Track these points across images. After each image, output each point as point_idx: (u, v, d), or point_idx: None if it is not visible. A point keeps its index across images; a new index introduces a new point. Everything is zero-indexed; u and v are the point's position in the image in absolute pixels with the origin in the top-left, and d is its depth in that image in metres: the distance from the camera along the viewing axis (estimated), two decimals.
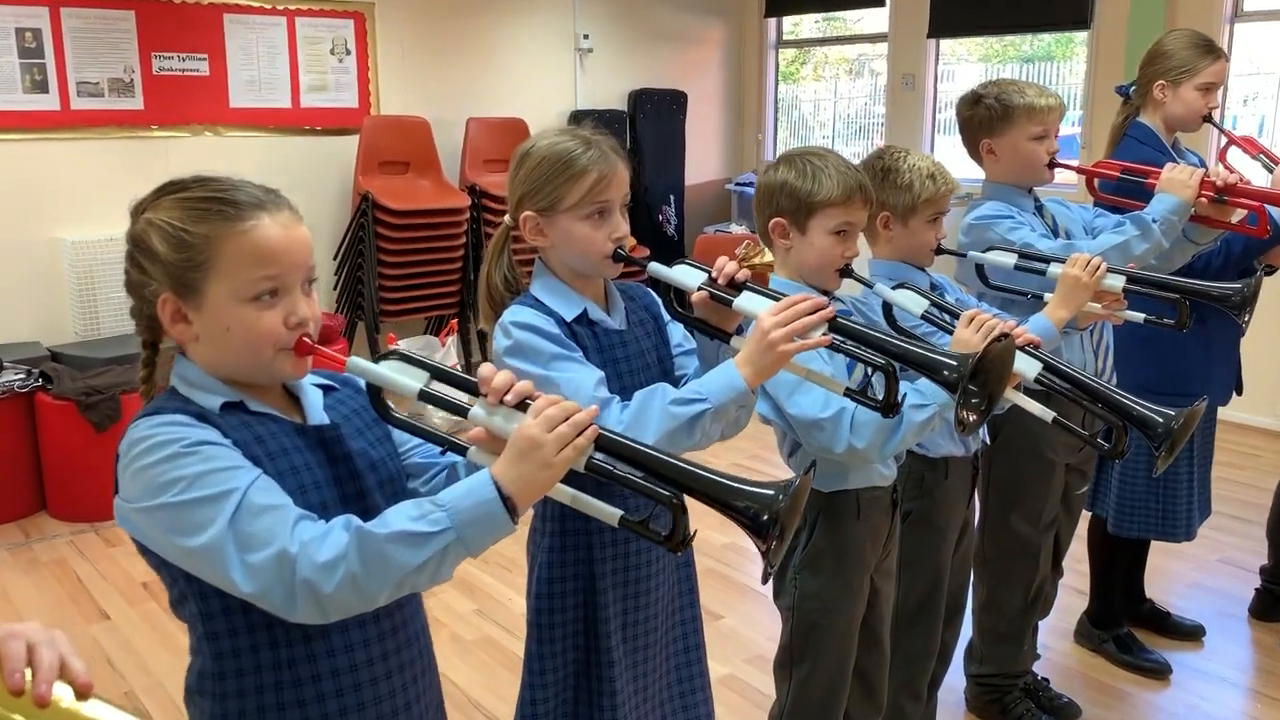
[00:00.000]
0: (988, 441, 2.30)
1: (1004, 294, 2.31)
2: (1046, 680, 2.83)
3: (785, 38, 7.38)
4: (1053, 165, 2.44)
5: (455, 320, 5.31)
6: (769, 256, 6.23)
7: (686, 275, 1.60)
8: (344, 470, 1.24)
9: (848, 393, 1.46)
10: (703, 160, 7.29)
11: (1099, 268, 2.05)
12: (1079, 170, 2.52)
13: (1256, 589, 3.32)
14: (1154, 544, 3.13)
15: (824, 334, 1.47)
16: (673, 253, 7.00)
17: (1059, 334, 2.06)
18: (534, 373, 1.54)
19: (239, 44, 5.35)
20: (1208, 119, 2.74)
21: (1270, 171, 2.64)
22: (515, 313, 1.61)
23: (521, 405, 1.16)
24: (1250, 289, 2.01)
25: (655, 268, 1.64)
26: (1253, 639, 3.22)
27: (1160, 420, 1.68)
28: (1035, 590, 2.61)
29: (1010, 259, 2.18)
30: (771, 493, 1.10)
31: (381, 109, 5.84)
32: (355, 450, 1.26)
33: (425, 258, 5.47)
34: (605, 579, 1.64)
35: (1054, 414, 1.77)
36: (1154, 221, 2.25)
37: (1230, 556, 3.73)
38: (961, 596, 2.41)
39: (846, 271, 1.91)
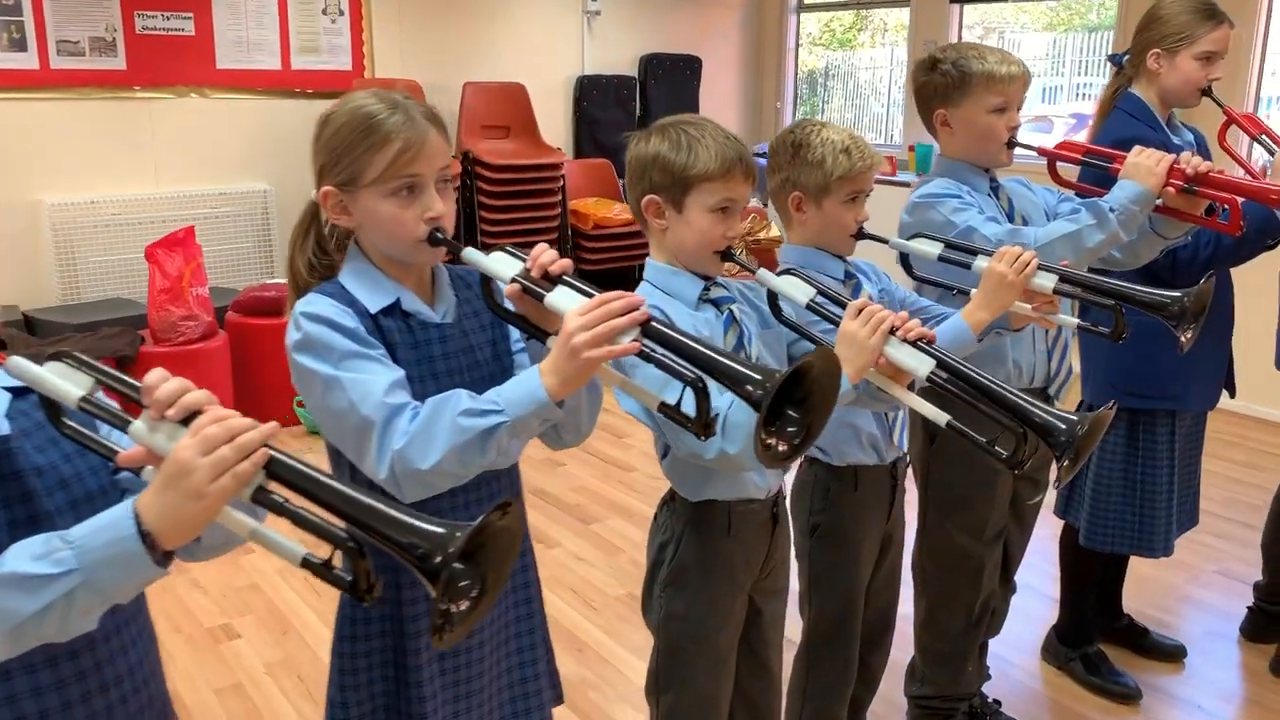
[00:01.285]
0: (904, 448, 2.08)
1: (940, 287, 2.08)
2: (997, 703, 2.61)
3: (807, 2, 7.06)
4: (1013, 144, 2.19)
5: None
6: (775, 230, 6.00)
7: (501, 264, 1.41)
8: (13, 490, 1.07)
9: (662, 407, 1.25)
10: None
11: (1028, 264, 1.80)
12: (1041, 151, 2.26)
13: (1249, 607, 3.05)
14: None
15: (634, 339, 1.27)
16: None
17: (975, 338, 1.83)
18: (323, 372, 1.36)
19: (226, 3, 5.21)
20: (1206, 93, 2.45)
21: (1271, 154, 2.36)
22: (309, 302, 1.42)
23: (188, 420, 0.98)
24: (1192, 299, 1.75)
25: (470, 254, 1.44)
26: (1241, 663, 2.96)
27: (1063, 427, 1.45)
28: (980, 607, 2.39)
29: (935, 248, 1.94)
30: (443, 531, 0.92)
31: (376, 72, 5.67)
32: (32, 466, 1.09)
33: None
34: (415, 605, 1.46)
35: (949, 418, 1.55)
36: (1112, 210, 1.99)
37: (1228, 568, 3.45)
38: (889, 615, 2.19)
39: (727, 255, 1.70)
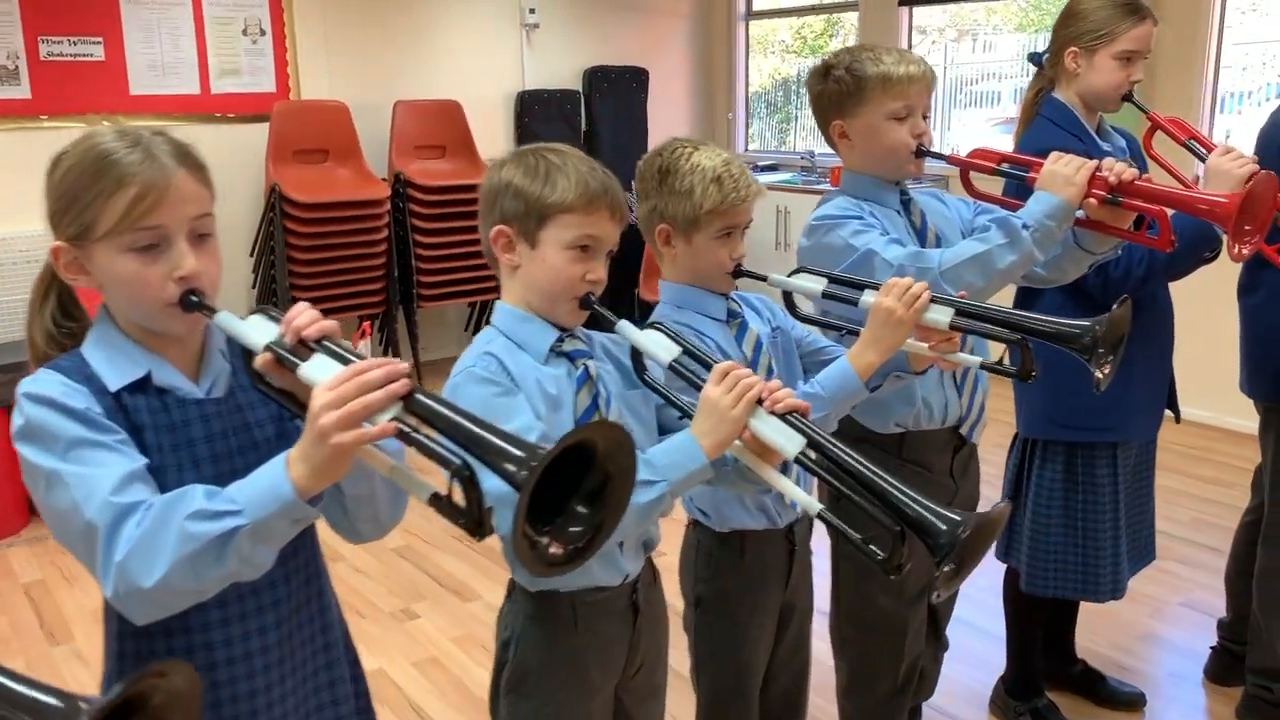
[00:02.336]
0: (807, 513, 1.84)
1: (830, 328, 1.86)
2: None
3: (755, 9, 6.85)
4: (921, 154, 1.96)
5: (369, 323, 4.90)
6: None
7: (256, 330, 1.17)
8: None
9: (432, 500, 1.01)
10: None
11: (919, 296, 1.57)
12: (952, 160, 2.03)
13: (1213, 647, 2.82)
14: None
15: (393, 417, 1.03)
16: (633, 246, 6.52)
17: (862, 385, 1.60)
18: (45, 465, 1.12)
19: (138, 25, 4.96)
20: (1128, 97, 2.23)
21: (1202, 160, 2.14)
22: (35, 380, 1.17)
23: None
24: (1104, 327, 1.52)
25: (223, 319, 1.20)
26: (1206, 708, 2.73)
27: (943, 528, 1.21)
28: (906, 671, 2.15)
29: (819, 284, 1.70)
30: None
31: (303, 93, 5.43)
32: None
33: (341, 253, 5.06)
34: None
35: (821, 506, 1.31)
36: (1025, 227, 1.76)
37: (1196, 599, 3.22)
38: (796, 694, 1.95)
39: (586, 302, 1.46)
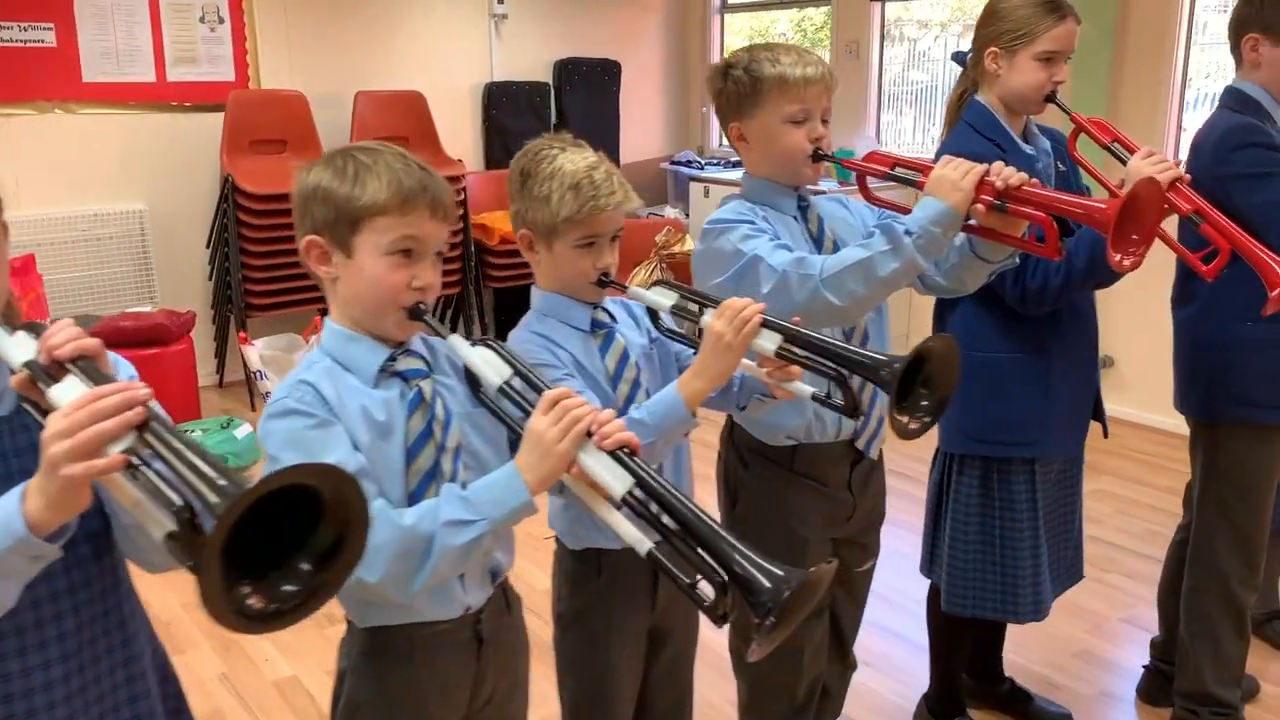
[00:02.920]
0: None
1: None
2: None
3: (731, 2, 6.75)
4: (819, 158, 1.88)
5: (319, 318, 4.82)
6: (690, 244, 5.68)
7: (16, 347, 1.09)
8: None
9: (168, 538, 0.93)
10: (641, 137, 6.71)
11: (748, 321, 1.49)
12: (846, 165, 1.95)
13: (1145, 666, 2.74)
14: None
15: (127, 448, 0.95)
16: None
17: (688, 414, 1.52)
18: None
19: (91, 11, 4.88)
20: (1051, 98, 2.15)
21: (1124, 163, 2.06)
22: None
23: None
24: (903, 365, 1.41)
25: None
26: None
27: (767, 586, 1.12)
28: (806, 691, 2.08)
29: (670, 298, 1.62)
30: None
31: (263, 83, 5.35)
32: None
33: (295, 246, 4.97)
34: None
35: (650, 545, 1.22)
36: (908, 233, 1.68)
37: (1137, 615, 3.14)
38: (680, 713, 1.88)
39: (416, 312, 1.38)
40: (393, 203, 1.33)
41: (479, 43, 6.01)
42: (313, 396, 1.30)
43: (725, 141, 6.93)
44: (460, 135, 5.95)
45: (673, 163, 6.61)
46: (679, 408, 1.53)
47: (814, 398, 1.55)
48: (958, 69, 2.32)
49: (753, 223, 1.85)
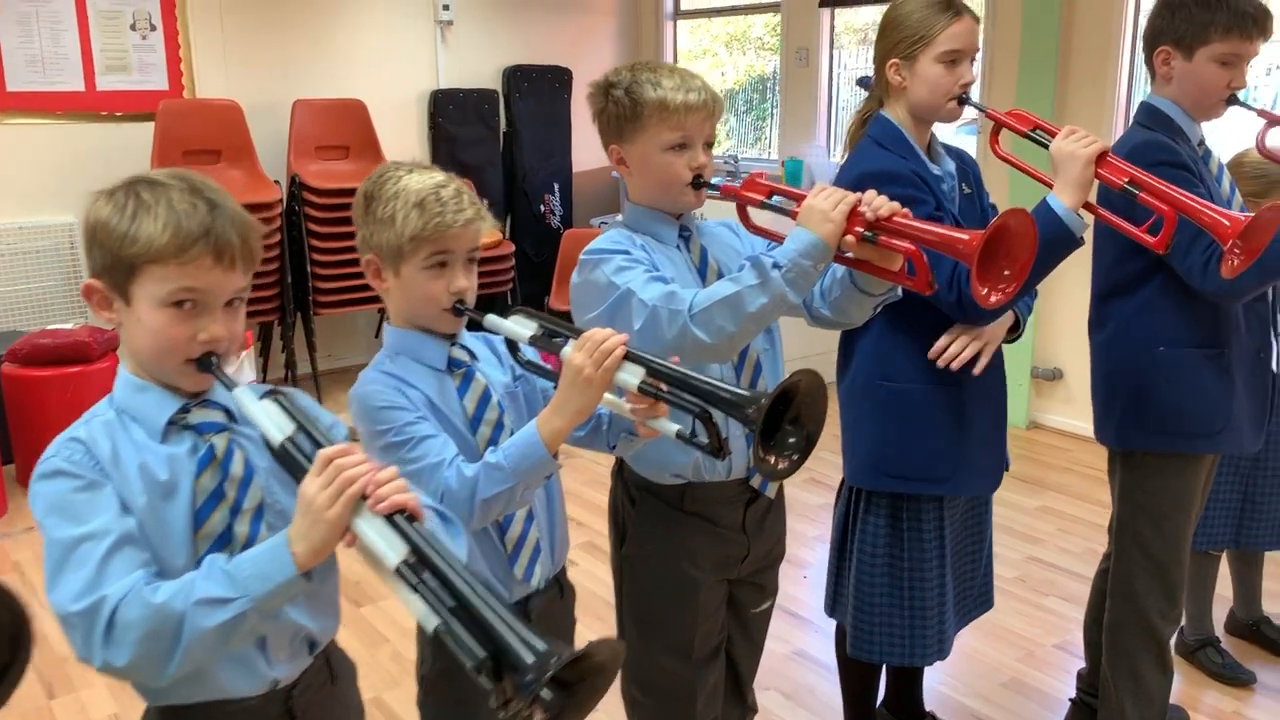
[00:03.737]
0: (559, 565, 1.67)
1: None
2: None
3: (684, 9, 6.66)
4: (699, 185, 1.79)
5: (251, 332, 4.70)
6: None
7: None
8: None
9: None
10: (594, 145, 6.50)
11: (609, 354, 1.39)
12: (725, 191, 1.84)
13: (1071, 699, 2.65)
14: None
15: None
16: (547, 248, 6.35)
17: (548, 455, 1.42)
18: None
19: (14, 17, 4.74)
20: (965, 100, 2.05)
21: (1046, 148, 1.96)
22: None
23: None
24: (769, 402, 1.31)
25: None
26: None
27: (529, 661, 0.99)
28: None
29: (529, 329, 1.52)
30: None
31: (198, 92, 5.22)
32: None
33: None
34: None
35: (439, 621, 1.10)
36: (776, 267, 1.58)
37: (1072, 641, 3.04)
38: None
39: (206, 364, 1.25)
40: (169, 249, 1.19)
41: (425, 49, 5.90)
42: (82, 455, 1.19)
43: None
44: (405, 143, 5.83)
45: None
46: (537, 449, 1.43)
47: (679, 436, 1.45)
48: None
49: (628, 253, 1.75)
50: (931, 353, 2.02)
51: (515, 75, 6.17)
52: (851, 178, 2.06)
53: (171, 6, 5.10)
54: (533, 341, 1.52)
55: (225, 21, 5.26)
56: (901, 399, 2.11)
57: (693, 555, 1.87)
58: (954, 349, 2.01)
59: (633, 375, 1.41)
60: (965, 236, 1.49)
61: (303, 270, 5.15)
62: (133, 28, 5.03)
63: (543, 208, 6.38)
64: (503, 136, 6.21)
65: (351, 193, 5.06)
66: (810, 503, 4.00)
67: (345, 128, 5.38)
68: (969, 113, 2.09)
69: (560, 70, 6.33)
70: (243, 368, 4.55)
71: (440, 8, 5.85)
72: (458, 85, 5.99)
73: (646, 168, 1.79)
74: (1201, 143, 2.22)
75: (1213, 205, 1.79)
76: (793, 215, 1.66)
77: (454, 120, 5.97)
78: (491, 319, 1.55)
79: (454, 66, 6.00)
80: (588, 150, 6.55)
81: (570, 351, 1.43)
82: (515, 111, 6.20)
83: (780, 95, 5.88)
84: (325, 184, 5.11)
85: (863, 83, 2.22)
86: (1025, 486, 4.19)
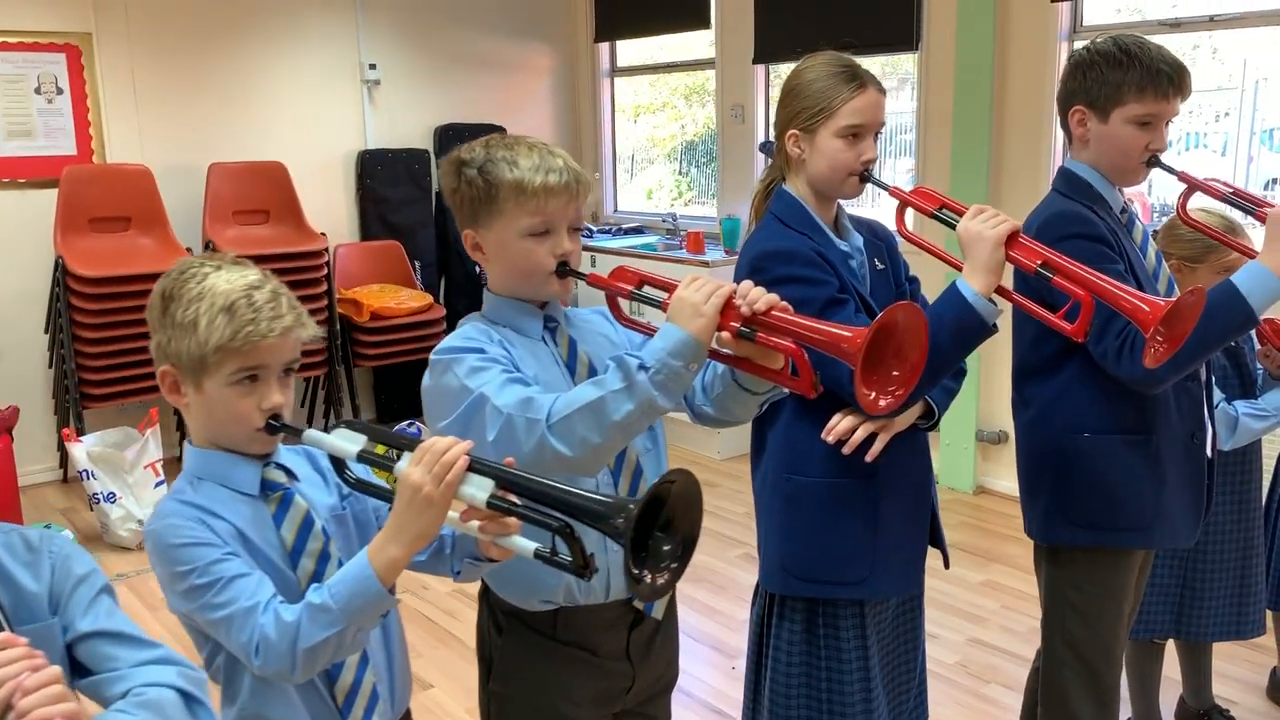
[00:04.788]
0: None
1: None
2: None
3: (620, 67, 6.55)
4: (564, 273, 1.61)
5: (157, 409, 4.45)
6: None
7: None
8: None
9: None
10: None
11: (450, 467, 1.21)
12: (592, 281, 1.65)
13: None
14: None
15: None
16: None
17: (382, 590, 1.23)
18: None
19: None
20: (866, 177, 1.89)
21: (952, 227, 1.80)
22: None
23: None
24: (638, 511, 1.13)
25: None
26: None
27: None
28: None
29: (356, 444, 1.32)
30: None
31: (110, 156, 5.01)
32: None
33: (136, 330, 4.60)
34: None
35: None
36: (643, 368, 1.40)
37: None
38: None
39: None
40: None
41: (351, 110, 5.73)
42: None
43: (619, 208, 6.72)
44: (331, 205, 5.64)
45: None
46: (370, 583, 1.24)
47: (537, 555, 1.25)
48: None
49: (482, 350, 1.55)
50: (824, 431, 1.83)
51: (448, 134, 6.01)
52: (749, 257, 1.90)
53: (80, 70, 4.91)
54: (361, 457, 1.32)
55: (138, 83, 5.07)
56: (810, 494, 1.92)
57: (568, 691, 1.65)
58: (845, 425, 1.82)
59: (480, 489, 1.23)
60: (848, 334, 1.32)
61: None
62: (37, 91, 4.82)
63: (478, 268, 6.18)
64: (435, 197, 6.04)
65: (272, 258, 4.92)
66: (745, 582, 3.79)
67: (264, 191, 5.19)
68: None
69: (495, 129, 6.17)
70: (148, 445, 4.30)
71: (366, 68, 5.70)
72: (386, 145, 5.82)
73: (505, 255, 1.61)
74: (1124, 209, 2.08)
75: (1132, 290, 1.63)
76: (664, 307, 1.48)
77: (383, 181, 5.80)
78: (311, 434, 1.35)
79: (382, 127, 5.83)
80: None
81: (406, 466, 1.23)
82: None
83: (719, 153, 5.75)
84: (239, 250, 4.89)
85: (765, 149, 2.08)
86: (970, 559, 4.00)
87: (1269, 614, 2.74)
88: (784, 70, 5.56)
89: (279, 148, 5.38)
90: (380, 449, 1.30)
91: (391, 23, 5.79)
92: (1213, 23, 3.79)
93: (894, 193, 1.91)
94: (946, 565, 2.12)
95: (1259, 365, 2.59)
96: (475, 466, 1.22)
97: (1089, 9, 4.21)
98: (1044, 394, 2.07)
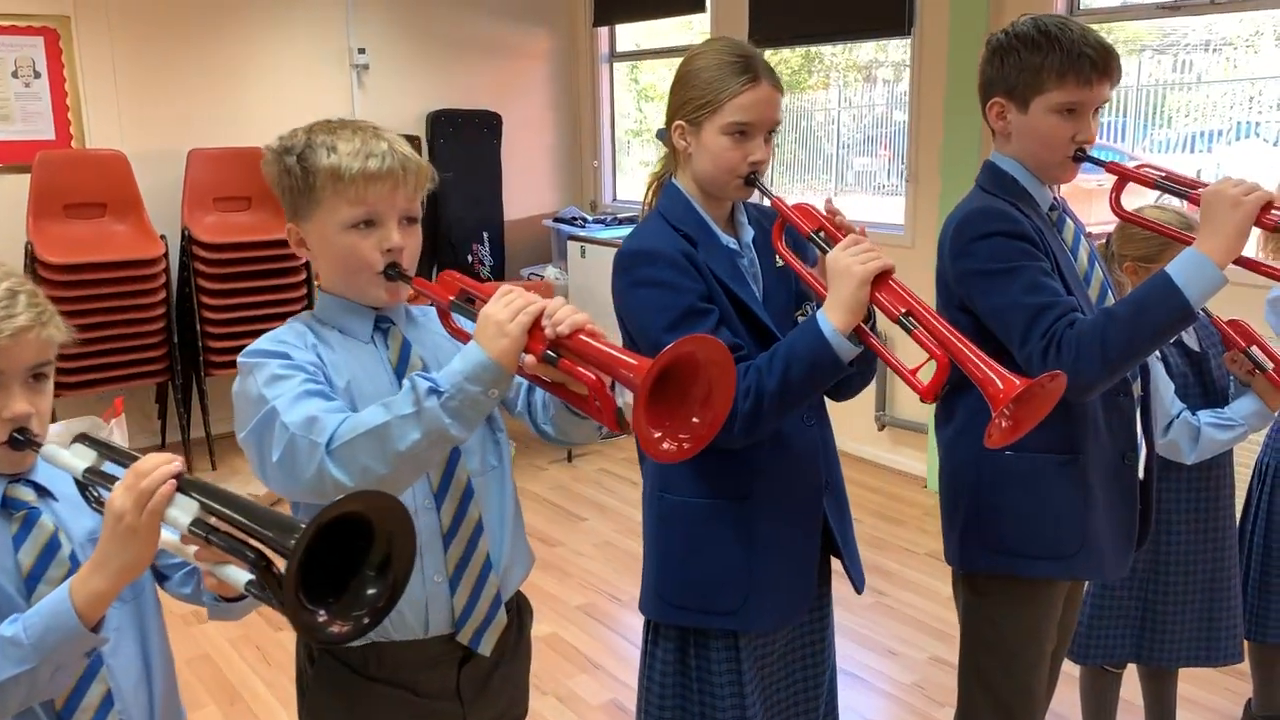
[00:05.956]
0: None
1: None
2: None
3: (620, 51, 6.38)
4: (393, 274, 1.47)
5: (121, 399, 4.37)
6: None
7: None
8: None
9: None
10: (526, 193, 6.32)
11: (153, 492, 1.09)
12: (417, 287, 1.48)
13: None
14: None
15: None
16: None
17: (89, 630, 1.13)
18: None
19: None
20: (752, 181, 1.72)
21: (826, 250, 1.63)
22: None
23: None
24: (305, 540, 0.97)
25: None
26: None
27: None
28: None
29: (85, 460, 1.20)
30: None
31: (90, 141, 4.95)
32: None
33: (109, 318, 4.55)
34: None
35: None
36: (435, 392, 1.25)
37: None
38: None
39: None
40: None
41: (339, 94, 5.62)
42: None
43: (618, 197, 6.57)
44: None
45: (556, 219, 6.21)
46: (68, 618, 1.12)
47: (247, 587, 1.11)
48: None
49: (287, 356, 1.42)
50: None
51: (440, 120, 5.90)
52: (617, 256, 1.74)
53: (58, 53, 4.85)
54: (89, 476, 1.19)
55: (118, 67, 5.00)
56: (681, 514, 1.77)
57: None
58: None
59: (184, 513, 1.10)
60: (633, 361, 1.16)
61: (194, 329, 4.85)
62: (14, 75, 4.77)
63: (471, 258, 6.08)
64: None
65: (250, 245, 4.80)
66: None
67: (246, 178, 5.09)
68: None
69: (489, 115, 6.06)
70: (113, 432, 4.23)
71: (355, 51, 5.59)
72: None
73: (328, 251, 1.48)
74: (1054, 207, 1.89)
75: (991, 363, 1.45)
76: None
77: None
78: (50, 450, 1.23)
79: (372, 112, 5.71)
80: (521, 197, 6.27)
81: (114, 490, 1.11)
82: (440, 158, 5.90)
83: None
84: (218, 238, 4.82)
85: (660, 136, 1.90)
86: (944, 569, 3.80)
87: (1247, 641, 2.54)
88: (782, 56, 5.36)
89: (263, 133, 5.20)
90: (106, 467, 1.17)
91: (382, 5, 5.68)
92: (1214, 5, 3.54)
93: (775, 204, 1.73)
94: (858, 590, 1.95)
95: (1229, 372, 2.38)
96: (186, 486, 1.09)
97: None
98: (967, 406, 1.89)
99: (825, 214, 1.66)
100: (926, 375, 1.49)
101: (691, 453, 1.20)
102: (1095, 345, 1.62)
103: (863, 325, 1.55)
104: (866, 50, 5.22)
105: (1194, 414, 2.27)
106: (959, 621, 1.97)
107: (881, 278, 1.54)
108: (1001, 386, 1.41)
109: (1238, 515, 2.51)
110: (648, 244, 1.70)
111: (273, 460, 1.30)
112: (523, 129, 6.22)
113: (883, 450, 4.95)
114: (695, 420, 1.19)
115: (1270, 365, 2.25)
